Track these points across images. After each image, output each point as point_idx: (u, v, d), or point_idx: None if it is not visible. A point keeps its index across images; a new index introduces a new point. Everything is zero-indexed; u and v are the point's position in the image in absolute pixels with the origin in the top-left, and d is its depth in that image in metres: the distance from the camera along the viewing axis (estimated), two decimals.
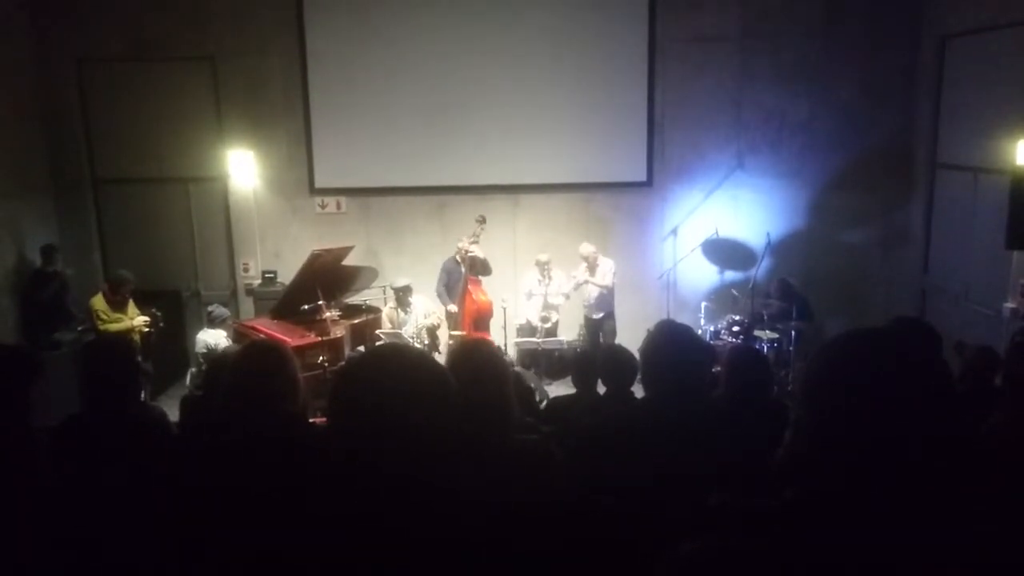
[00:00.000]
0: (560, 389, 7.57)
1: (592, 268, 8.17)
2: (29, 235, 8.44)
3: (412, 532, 1.53)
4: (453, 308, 7.94)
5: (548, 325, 8.20)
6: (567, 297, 8.35)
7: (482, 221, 7.98)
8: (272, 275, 9.02)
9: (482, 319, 8.02)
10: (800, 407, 1.26)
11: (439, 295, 8.11)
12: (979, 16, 7.45)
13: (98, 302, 7.39)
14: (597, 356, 4.63)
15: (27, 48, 8.70)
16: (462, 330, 7.85)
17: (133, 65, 8.97)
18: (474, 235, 7.96)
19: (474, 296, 7.93)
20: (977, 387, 4.11)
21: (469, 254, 7.87)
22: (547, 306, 8.26)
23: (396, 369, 1.60)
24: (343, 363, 6.81)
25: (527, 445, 2.15)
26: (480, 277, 8.09)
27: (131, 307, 7.57)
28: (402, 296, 7.69)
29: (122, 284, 7.49)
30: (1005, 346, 5.12)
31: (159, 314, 7.68)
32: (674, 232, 8.93)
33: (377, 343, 7.24)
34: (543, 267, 8.24)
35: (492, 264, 8.18)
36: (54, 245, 8.29)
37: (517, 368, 6.49)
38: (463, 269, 7.94)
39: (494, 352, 2.34)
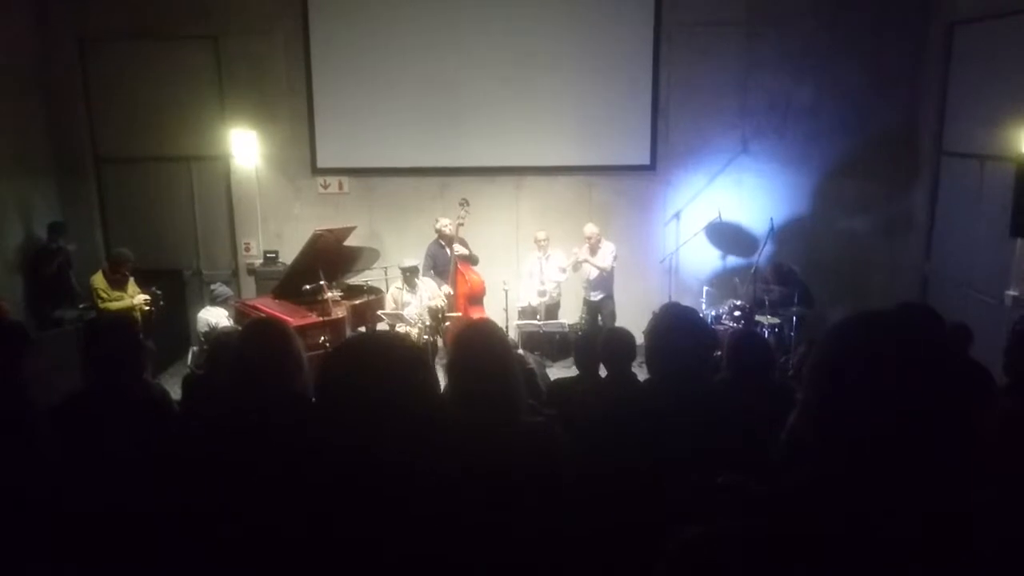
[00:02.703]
0: (561, 372, 7.58)
1: (594, 249, 8.17)
2: (32, 214, 8.45)
3: (415, 512, 1.53)
4: (448, 291, 7.94)
5: (545, 299, 8.21)
6: (564, 271, 8.34)
7: (465, 204, 7.96)
8: (274, 255, 9.02)
9: (475, 297, 8.05)
10: (806, 390, 1.25)
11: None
12: (988, 2, 7.39)
13: (98, 280, 7.38)
14: (598, 338, 4.63)
15: (29, 27, 8.66)
16: (457, 311, 7.86)
17: (135, 44, 8.93)
18: (458, 218, 7.95)
19: (465, 276, 7.98)
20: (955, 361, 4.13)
21: (454, 255, 7.88)
22: (544, 281, 8.28)
23: (371, 357, 1.62)
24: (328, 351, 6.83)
25: (532, 427, 2.15)
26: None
27: (131, 285, 7.56)
28: (409, 276, 7.72)
29: (122, 262, 7.48)
30: (1007, 334, 5.12)
31: (159, 292, 7.67)
32: (677, 216, 8.91)
33: (359, 330, 7.28)
34: (541, 244, 8.26)
35: (492, 246, 8.20)
36: (61, 222, 8.29)
37: (520, 351, 6.49)
38: (449, 252, 7.94)
39: (496, 332, 2.33)
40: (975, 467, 1.31)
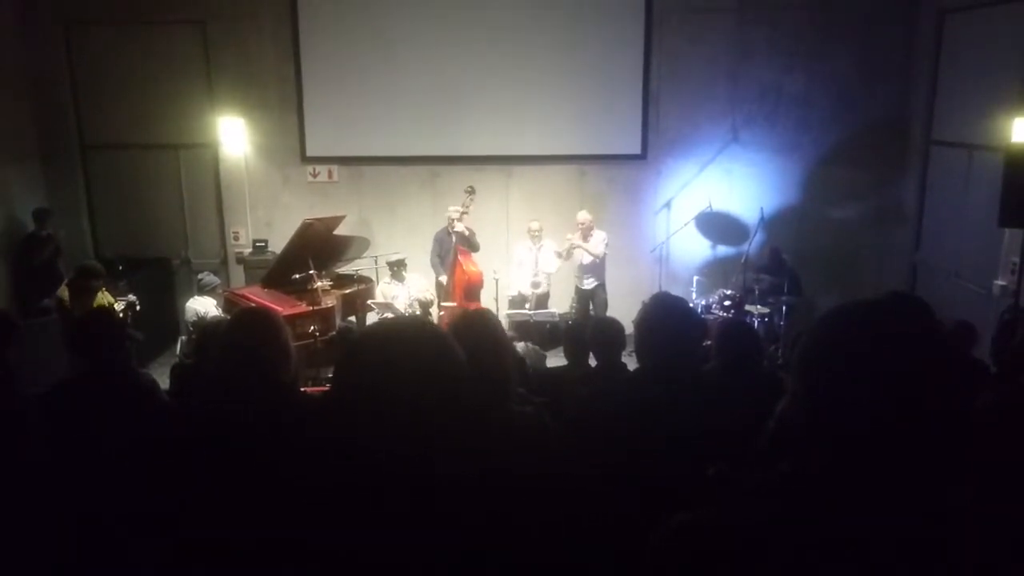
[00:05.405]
0: (551, 361, 7.58)
1: (585, 236, 8.15)
2: (18, 201, 8.37)
3: (407, 503, 1.52)
4: (443, 278, 7.93)
5: (538, 291, 8.20)
6: (560, 256, 8.31)
7: (471, 192, 7.94)
8: (263, 244, 8.98)
9: (472, 289, 8.03)
10: (795, 380, 1.25)
11: (433, 265, 8.11)
12: None
13: (65, 296, 6.77)
14: (587, 328, 4.63)
15: (13, 11, 8.54)
16: (453, 301, 7.85)
17: (122, 29, 8.83)
18: (463, 206, 7.93)
19: (464, 267, 7.94)
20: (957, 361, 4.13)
21: (454, 231, 7.86)
22: (538, 272, 8.26)
23: (408, 346, 1.58)
24: (339, 333, 6.80)
25: (523, 416, 2.14)
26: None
27: (102, 298, 7.06)
28: (397, 270, 7.72)
29: (89, 277, 6.70)
30: (995, 323, 5.16)
31: (134, 298, 7.40)
32: (667, 205, 8.91)
33: (387, 316, 7.22)
34: (534, 234, 8.25)
35: (483, 235, 8.17)
36: (48, 209, 8.19)
37: (522, 344, 6.49)
38: (454, 239, 7.93)
39: (495, 323, 2.32)
40: (966, 457, 1.31)
